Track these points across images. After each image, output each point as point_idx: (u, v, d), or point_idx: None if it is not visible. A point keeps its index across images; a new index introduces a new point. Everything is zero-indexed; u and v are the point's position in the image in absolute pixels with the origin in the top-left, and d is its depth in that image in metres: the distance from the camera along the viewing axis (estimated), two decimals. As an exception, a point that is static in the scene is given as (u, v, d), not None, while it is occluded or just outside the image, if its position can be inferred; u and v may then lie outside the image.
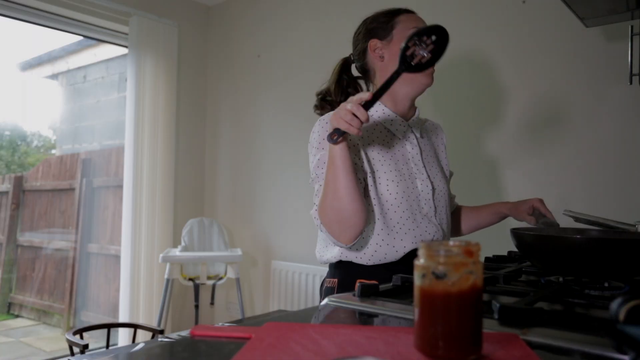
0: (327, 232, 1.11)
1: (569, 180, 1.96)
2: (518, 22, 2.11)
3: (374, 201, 1.18)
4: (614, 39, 1.87)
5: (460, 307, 0.50)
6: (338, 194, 1.05)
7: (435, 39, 1.02)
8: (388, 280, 1.10)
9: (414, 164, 1.25)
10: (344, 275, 1.20)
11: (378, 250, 1.17)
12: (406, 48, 1.02)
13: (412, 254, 1.19)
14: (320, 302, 1.18)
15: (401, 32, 1.24)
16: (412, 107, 1.30)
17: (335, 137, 1.01)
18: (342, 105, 1.01)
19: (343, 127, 0.99)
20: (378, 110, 1.27)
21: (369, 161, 1.19)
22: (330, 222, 1.09)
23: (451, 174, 1.44)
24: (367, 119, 0.99)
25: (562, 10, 1.88)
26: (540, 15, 2.05)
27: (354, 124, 0.98)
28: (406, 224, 1.19)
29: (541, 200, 1.33)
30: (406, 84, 1.22)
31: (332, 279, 1.22)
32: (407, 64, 1.02)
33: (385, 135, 1.25)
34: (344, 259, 1.19)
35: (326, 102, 1.35)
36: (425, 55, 1.03)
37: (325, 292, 1.22)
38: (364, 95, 1.00)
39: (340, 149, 1.04)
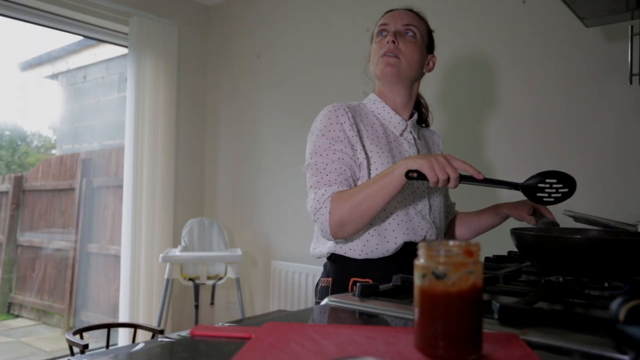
0: (323, 222, 1.11)
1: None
2: (518, 22, 2.11)
3: None
4: (614, 39, 1.87)
5: (460, 307, 0.50)
6: (372, 202, 1.07)
7: (562, 187, 1.09)
8: (381, 277, 1.11)
9: None
10: (337, 272, 1.21)
11: (370, 240, 1.18)
12: (539, 189, 1.10)
13: (405, 251, 1.19)
14: (316, 302, 1.19)
15: (375, 35, 1.30)
16: (410, 109, 1.32)
17: (414, 176, 1.02)
18: (442, 157, 1.02)
19: (432, 178, 1.00)
20: (379, 107, 1.28)
21: (366, 153, 1.20)
22: (343, 213, 1.09)
23: None
24: (455, 187, 1.02)
25: (562, 10, 1.88)
26: (540, 15, 2.05)
27: (441, 182, 1.00)
28: (399, 215, 1.20)
29: None
30: (377, 77, 1.28)
31: (326, 279, 1.23)
32: (527, 190, 1.10)
33: (384, 131, 1.26)
34: (336, 251, 1.20)
35: None
36: (546, 199, 1.10)
37: (320, 291, 1.23)
38: (470, 169, 1.02)
39: (402, 179, 1.04)
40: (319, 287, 1.26)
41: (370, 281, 1.11)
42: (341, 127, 1.18)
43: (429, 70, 1.33)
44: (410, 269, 1.00)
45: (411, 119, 1.31)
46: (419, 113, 1.39)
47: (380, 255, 1.18)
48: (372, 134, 1.23)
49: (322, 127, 1.19)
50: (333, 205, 1.10)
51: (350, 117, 1.20)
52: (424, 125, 1.45)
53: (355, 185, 1.17)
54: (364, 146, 1.20)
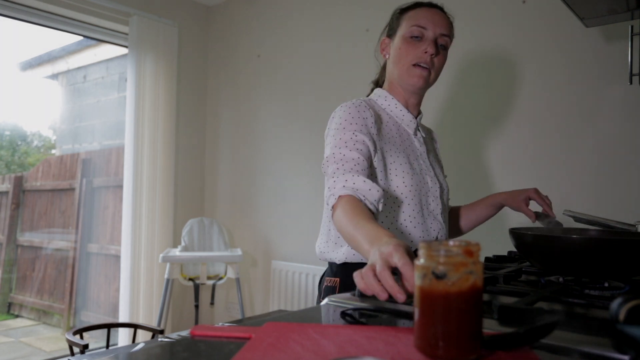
0: (330, 214, 1.06)
1: (569, 180, 1.96)
2: (518, 22, 2.11)
3: (386, 194, 1.14)
4: (614, 39, 1.87)
5: (460, 307, 0.50)
6: (348, 240, 0.95)
7: None
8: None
9: (422, 161, 1.24)
10: (346, 273, 1.15)
11: None
12: None
13: (417, 253, 1.17)
14: (319, 300, 1.18)
15: (402, 31, 1.20)
16: (418, 107, 1.30)
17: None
18: (372, 266, 0.73)
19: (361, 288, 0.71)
20: (390, 104, 1.26)
21: (382, 154, 1.16)
22: (336, 221, 1.01)
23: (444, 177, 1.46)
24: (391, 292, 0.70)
25: (562, 10, 1.88)
26: (540, 15, 2.05)
27: (377, 290, 0.69)
28: (416, 218, 1.17)
29: (537, 190, 1.32)
30: (401, 82, 1.22)
31: (333, 278, 1.18)
32: None
33: (397, 130, 1.24)
34: (350, 260, 1.15)
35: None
36: None
37: (326, 291, 1.19)
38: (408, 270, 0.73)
39: (366, 256, 0.85)
40: (323, 286, 1.21)
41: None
42: (364, 121, 1.14)
43: None
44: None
45: (419, 117, 1.29)
46: None
47: None
48: (387, 132, 1.20)
49: (343, 120, 1.14)
50: (338, 209, 1.01)
51: (373, 114, 1.16)
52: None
53: (370, 176, 1.12)
54: (381, 147, 1.17)
